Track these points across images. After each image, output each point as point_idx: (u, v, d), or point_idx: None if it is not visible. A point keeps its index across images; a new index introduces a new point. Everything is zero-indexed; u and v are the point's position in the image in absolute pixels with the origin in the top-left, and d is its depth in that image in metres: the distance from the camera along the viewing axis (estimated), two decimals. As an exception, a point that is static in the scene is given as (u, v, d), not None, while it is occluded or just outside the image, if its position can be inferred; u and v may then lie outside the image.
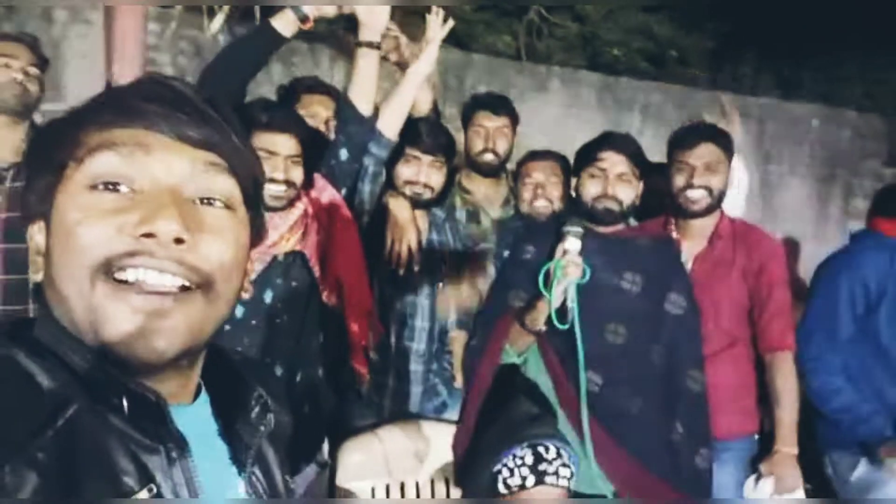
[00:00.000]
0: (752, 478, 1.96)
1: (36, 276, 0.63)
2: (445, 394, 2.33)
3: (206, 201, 0.63)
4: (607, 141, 1.98)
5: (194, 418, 0.67)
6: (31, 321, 0.63)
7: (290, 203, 1.82)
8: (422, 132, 2.15)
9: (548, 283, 1.79)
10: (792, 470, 1.93)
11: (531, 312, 1.83)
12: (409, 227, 2.09)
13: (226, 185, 0.65)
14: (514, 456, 1.59)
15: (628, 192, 1.92)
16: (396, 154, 2.15)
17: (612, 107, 5.71)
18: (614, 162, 1.91)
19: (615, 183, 1.90)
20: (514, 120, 2.40)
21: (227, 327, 1.69)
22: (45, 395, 0.56)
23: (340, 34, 5.46)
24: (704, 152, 2.00)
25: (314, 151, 1.92)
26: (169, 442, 0.61)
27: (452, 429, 2.26)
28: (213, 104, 0.65)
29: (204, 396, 0.71)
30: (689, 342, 1.83)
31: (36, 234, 0.64)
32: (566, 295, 1.75)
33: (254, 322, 1.72)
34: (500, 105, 2.36)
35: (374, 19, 1.98)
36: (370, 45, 1.99)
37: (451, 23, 2.08)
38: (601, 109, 5.71)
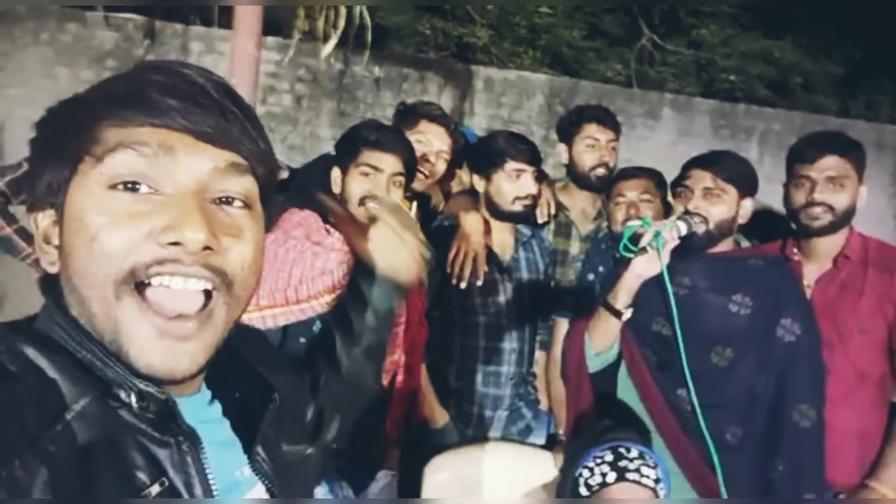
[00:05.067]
0: None
1: (50, 269, 0.61)
2: (530, 417, 2.25)
3: (225, 200, 0.62)
4: (696, 159, 1.86)
5: (199, 406, 0.67)
6: (33, 316, 0.62)
7: None
8: (515, 144, 2.11)
9: (634, 244, 1.71)
10: None
11: (615, 288, 1.74)
12: (478, 238, 2.05)
13: (245, 185, 0.63)
14: (594, 457, 1.51)
15: (718, 209, 1.77)
16: (489, 169, 2.12)
17: (727, 135, 5.46)
18: (699, 178, 1.78)
19: (700, 200, 1.77)
20: (619, 134, 2.32)
21: (303, 340, 1.74)
22: (55, 389, 0.55)
23: (450, 62, 5.60)
24: (828, 165, 1.77)
25: (412, 176, 1.93)
26: (180, 435, 0.60)
27: (537, 452, 2.18)
28: (230, 95, 0.63)
29: (203, 384, 0.70)
30: (801, 373, 1.65)
31: (42, 221, 0.61)
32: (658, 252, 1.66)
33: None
34: (608, 118, 2.29)
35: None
36: None
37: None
38: (716, 137, 5.47)
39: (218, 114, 0.60)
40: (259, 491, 0.68)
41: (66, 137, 0.59)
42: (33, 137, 0.61)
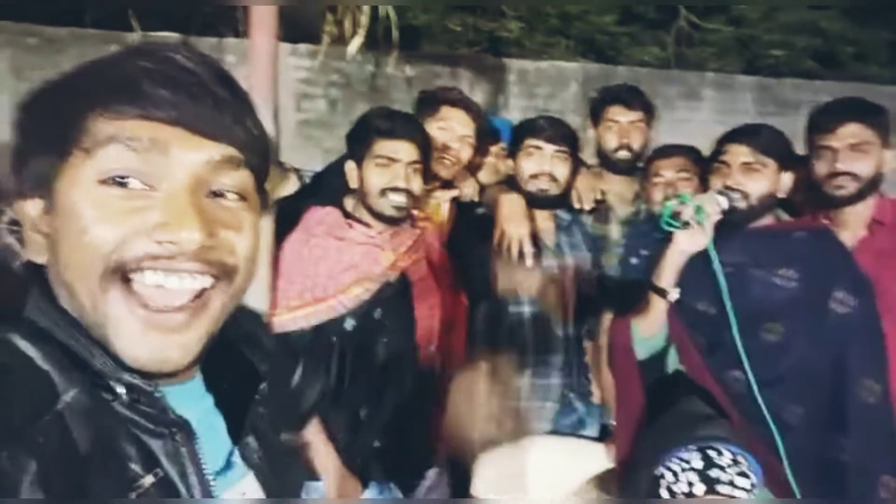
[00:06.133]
0: None
1: (38, 258, 0.60)
2: (582, 409, 2.18)
3: (220, 194, 0.60)
4: (731, 133, 1.78)
5: (193, 393, 0.65)
6: (20, 305, 0.61)
7: (409, 214, 1.78)
8: (542, 124, 2.06)
9: (675, 220, 1.64)
10: None
11: (659, 267, 1.67)
12: (520, 220, 1.99)
13: (240, 178, 0.61)
14: (679, 459, 1.38)
15: (758, 184, 1.69)
16: (517, 150, 2.07)
17: (773, 110, 5.26)
18: (736, 153, 1.71)
19: (738, 174, 1.69)
20: (650, 113, 2.23)
21: (335, 339, 1.72)
22: (46, 380, 0.54)
23: (482, 57, 5.55)
24: (849, 132, 1.72)
25: (429, 159, 1.89)
26: (173, 426, 0.59)
27: (589, 445, 2.12)
28: (223, 80, 0.60)
29: (198, 371, 0.69)
30: (861, 346, 1.55)
31: (30, 210, 0.60)
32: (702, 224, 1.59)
33: (362, 336, 1.70)
34: (632, 98, 2.20)
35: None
36: None
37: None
38: (760, 114, 5.27)
39: (211, 104, 0.58)
40: (250, 479, 0.67)
41: (54, 126, 0.57)
42: (18, 121, 0.59)
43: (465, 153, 2.07)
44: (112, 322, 0.56)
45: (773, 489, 1.49)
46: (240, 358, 0.73)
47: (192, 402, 0.63)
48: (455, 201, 2.15)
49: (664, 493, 1.35)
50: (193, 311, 0.58)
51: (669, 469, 1.36)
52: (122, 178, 0.56)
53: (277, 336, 1.61)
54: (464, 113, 2.08)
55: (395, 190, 1.68)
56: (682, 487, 1.33)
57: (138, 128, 0.56)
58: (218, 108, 0.59)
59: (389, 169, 1.68)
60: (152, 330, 0.56)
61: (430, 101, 2.12)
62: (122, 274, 0.56)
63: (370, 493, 1.72)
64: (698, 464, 1.34)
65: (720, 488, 1.30)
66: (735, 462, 1.33)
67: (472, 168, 2.23)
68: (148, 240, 0.55)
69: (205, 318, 0.59)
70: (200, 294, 0.58)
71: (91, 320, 0.57)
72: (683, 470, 1.34)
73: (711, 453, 1.34)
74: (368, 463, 1.71)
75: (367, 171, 1.70)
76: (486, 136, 2.17)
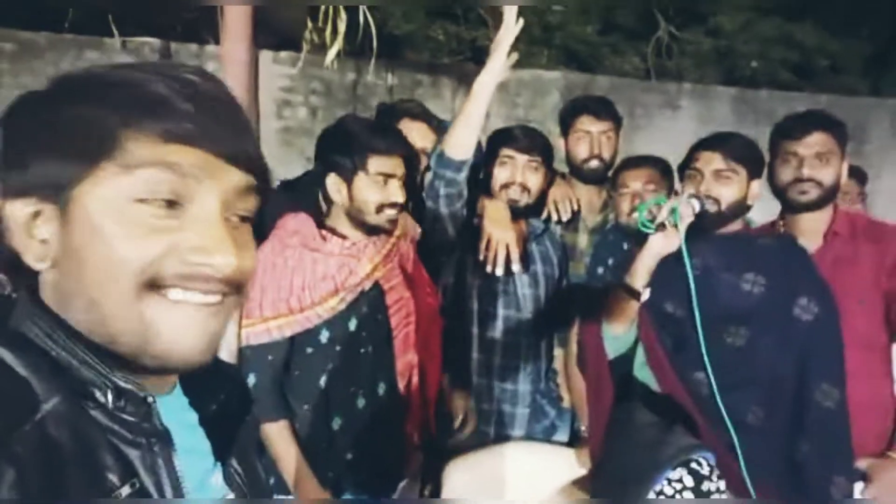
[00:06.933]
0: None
1: (38, 265, 0.59)
2: (553, 415, 2.20)
3: (241, 218, 0.63)
4: (703, 141, 1.83)
5: (173, 407, 0.66)
6: (6, 313, 0.60)
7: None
8: (516, 133, 2.08)
9: (650, 222, 1.67)
10: None
11: (632, 268, 1.69)
12: (505, 225, 2.00)
13: (255, 203, 0.64)
14: (670, 481, 1.43)
15: (729, 190, 1.73)
16: (492, 159, 2.09)
17: (751, 121, 5.33)
18: (709, 160, 1.75)
19: (711, 182, 1.73)
20: (618, 123, 2.27)
21: (310, 350, 1.72)
22: (26, 389, 0.54)
23: (463, 66, 5.58)
24: (815, 141, 1.81)
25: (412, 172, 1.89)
26: (152, 436, 0.59)
27: (560, 450, 2.13)
28: (237, 108, 0.62)
29: (178, 386, 0.69)
30: (821, 352, 1.59)
31: (19, 210, 0.58)
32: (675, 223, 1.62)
33: (338, 348, 1.70)
34: (602, 108, 2.24)
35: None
36: None
37: (521, 22, 1.92)
38: (739, 124, 5.34)
39: (234, 133, 0.61)
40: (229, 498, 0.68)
41: (79, 135, 0.57)
42: (18, 119, 0.59)
43: (425, 163, 2.09)
44: (154, 323, 0.57)
45: (732, 488, 1.53)
46: (229, 381, 0.74)
47: (173, 415, 0.64)
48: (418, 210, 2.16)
49: None
50: (217, 310, 0.61)
51: (663, 493, 1.40)
52: (164, 199, 0.57)
53: (249, 347, 1.61)
54: (424, 125, 2.10)
55: (393, 206, 1.69)
56: None
57: (180, 154, 0.57)
58: (237, 133, 0.61)
59: (389, 186, 1.69)
60: (192, 327, 0.59)
61: (390, 115, 2.14)
62: (153, 288, 0.57)
63: (341, 504, 1.72)
64: (689, 482, 1.41)
65: (713, 496, 1.37)
66: (712, 468, 1.40)
67: None
68: (181, 261, 0.57)
69: (224, 320, 0.62)
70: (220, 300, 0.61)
71: (123, 326, 0.57)
72: (678, 490, 1.40)
73: (695, 467, 1.42)
74: (341, 475, 1.71)
75: (362, 186, 1.68)
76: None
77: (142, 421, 0.59)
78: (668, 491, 1.42)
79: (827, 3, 5.90)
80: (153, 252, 0.56)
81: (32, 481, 0.49)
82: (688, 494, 1.41)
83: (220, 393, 0.72)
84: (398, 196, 1.68)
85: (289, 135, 5.10)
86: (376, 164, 1.67)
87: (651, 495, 1.43)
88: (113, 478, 0.55)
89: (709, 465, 1.43)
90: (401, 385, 1.82)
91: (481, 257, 1.97)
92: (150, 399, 0.60)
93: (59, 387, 0.55)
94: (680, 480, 1.42)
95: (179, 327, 0.58)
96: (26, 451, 0.50)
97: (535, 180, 2.05)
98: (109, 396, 0.58)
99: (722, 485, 1.42)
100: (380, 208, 1.68)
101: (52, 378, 0.55)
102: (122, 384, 0.58)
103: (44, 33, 4.82)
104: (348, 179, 1.69)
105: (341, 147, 1.72)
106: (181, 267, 0.57)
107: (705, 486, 1.41)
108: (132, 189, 0.56)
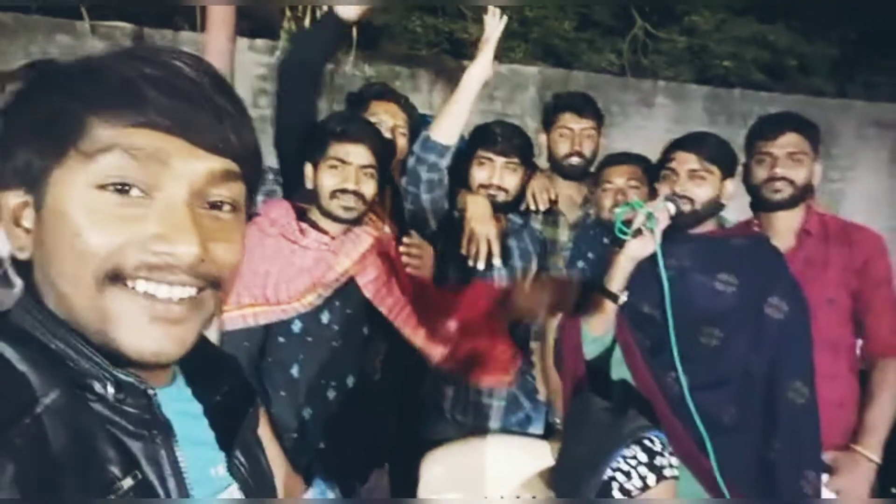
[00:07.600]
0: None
1: (21, 254, 0.59)
2: (529, 407, 2.22)
3: (215, 205, 0.61)
4: (679, 141, 1.86)
5: (173, 398, 0.65)
6: (6, 309, 0.60)
7: (360, 218, 1.76)
8: (495, 133, 2.10)
9: (626, 226, 1.71)
10: (864, 478, 1.74)
11: (609, 272, 1.73)
12: (486, 221, 2.02)
13: (236, 190, 0.62)
14: (624, 457, 1.46)
15: (703, 190, 1.77)
16: (471, 157, 2.11)
17: (723, 120, 5.42)
18: (684, 160, 1.79)
19: (685, 181, 1.77)
20: (600, 121, 2.29)
21: (282, 340, 1.71)
22: (24, 382, 0.53)
23: (441, 58, 5.57)
24: (788, 141, 1.88)
25: (387, 164, 1.89)
26: (154, 428, 0.59)
27: (531, 442, 2.16)
28: (224, 90, 0.60)
29: (180, 378, 0.69)
30: (792, 350, 1.64)
31: (10, 200, 0.59)
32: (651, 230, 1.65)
33: (310, 339, 1.70)
34: (584, 106, 2.27)
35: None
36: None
37: (505, 19, 2.00)
38: (712, 124, 5.42)
39: (212, 115, 0.58)
40: (232, 493, 0.67)
41: (50, 122, 0.56)
42: (6, 108, 0.58)
43: (401, 142, 2.10)
44: (114, 316, 0.56)
45: (705, 487, 1.57)
46: (233, 373, 0.74)
47: (173, 406, 0.63)
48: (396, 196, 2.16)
49: (617, 494, 1.42)
50: (191, 305, 0.59)
51: (619, 470, 1.43)
52: (121, 185, 0.55)
53: (225, 333, 1.60)
54: (392, 105, 2.11)
55: (345, 192, 1.69)
56: (636, 483, 1.42)
57: (141, 136, 0.55)
58: (218, 118, 0.58)
59: (340, 171, 1.70)
60: (156, 321, 0.57)
61: (358, 100, 2.16)
62: (116, 279, 0.56)
63: (314, 491, 1.73)
64: (643, 457, 1.44)
65: (666, 472, 1.42)
66: (664, 445, 1.45)
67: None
68: (143, 250, 0.55)
69: (199, 314, 0.60)
70: (196, 293, 0.59)
71: (87, 318, 0.56)
72: (633, 467, 1.43)
73: (648, 443, 1.45)
74: (312, 462, 1.72)
75: (321, 172, 1.72)
76: (419, 127, 2.20)
77: (143, 413, 0.58)
78: (624, 467, 1.45)
79: (798, 5, 6.01)
80: (114, 241, 0.55)
81: (33, 474, 0.49)
82: (642, 469, 1.44)
83: (224, 384, 0.71)
84: (350, 183, 1.68)
85: (264, 123, 5.03)
86: (334, 148, 1.69)
87: (608, 472, 1.46)
88: (115, 470, 0.54)
89: (661, 442, 1.48)
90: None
91: (464, 251, 1.99)
92: (150, 391, 0.59)
93: (59, 380, 0.54)
94: (634, 457, 1.46)
95: (143, 321, 0.56)
96: (26, 444, 0.50)
97: (512, 182, 2.08)
98: (110, 389, 0.57)
99: (674, 461, 1.46)
100: (333, 194, 1.69)
101: (52, 371, 0.55)
102: (123, 377, 0.58)
103: (12, 14, 4.69)
104: (315, 166, 1.72)
105: (310, 135, 1.77)
106: (144, 256, 0.55)
107: (658, 460, 1.44)
108: (94, 175, 0.55)
